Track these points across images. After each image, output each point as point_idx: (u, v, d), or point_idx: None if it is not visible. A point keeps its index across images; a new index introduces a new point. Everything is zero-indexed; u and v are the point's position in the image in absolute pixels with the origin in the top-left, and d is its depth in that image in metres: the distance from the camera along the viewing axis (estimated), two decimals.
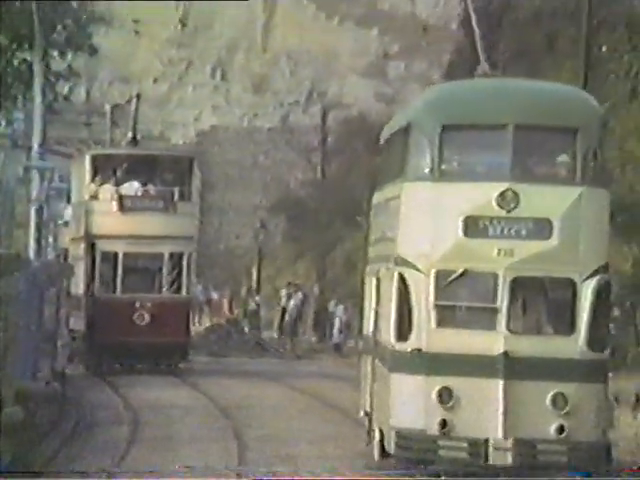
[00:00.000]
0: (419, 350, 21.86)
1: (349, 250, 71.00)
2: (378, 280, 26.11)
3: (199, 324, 72.00)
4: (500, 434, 21.20)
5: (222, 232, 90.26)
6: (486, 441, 21.25)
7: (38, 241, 49.27)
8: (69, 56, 55.53)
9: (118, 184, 51.92)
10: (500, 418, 21.21)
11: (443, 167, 22.57)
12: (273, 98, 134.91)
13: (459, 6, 76.07)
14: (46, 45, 48.53)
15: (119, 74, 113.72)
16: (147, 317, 50.30)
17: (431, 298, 22.04)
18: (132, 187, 51.94)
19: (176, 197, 51.84)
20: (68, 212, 60.09)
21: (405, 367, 22.14)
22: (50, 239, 54.92)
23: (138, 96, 71.15)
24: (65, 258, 52.37)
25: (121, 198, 51.34)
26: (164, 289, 51.16)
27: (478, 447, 21.36)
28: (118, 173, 52.45)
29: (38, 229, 49.13)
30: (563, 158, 22.60)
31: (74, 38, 55.05)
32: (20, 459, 25.42)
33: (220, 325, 73.30)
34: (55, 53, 52.31)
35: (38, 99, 47.77)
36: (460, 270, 21.97)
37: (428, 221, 22.47)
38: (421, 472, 22.32)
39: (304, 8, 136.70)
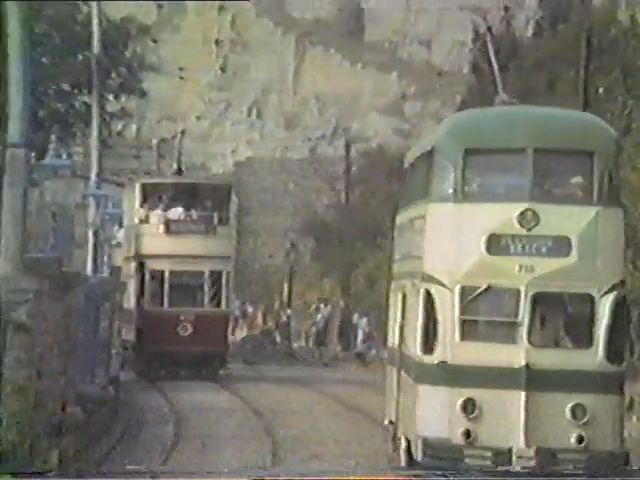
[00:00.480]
0: (444, 362, 20.92)
1: (371, 268, 70.61)
2: (404, 295, 24.82)
3: (236, 335, 72.13)
4: (522, 443, 20.27)
5: (257, 252, 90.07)
6: (509, 450, 20.32)
7: (94, 260, 49.42)
8: (122, 98, 55.72)
9: (165, 209, 51.90)
10: (522, 428, 20.29)
11: (466, 189, 21.52)
12: (302, 133, 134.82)
13: (470, 54, 76.08)
14: (102, 90, 48.80)
15: (166, 113, 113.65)
16: (190, 328, 50.07)
17: (456, 313, 21.01)
18: (177, 212, 51.76)
19: (215, 221, 51.81)
20: (120, 234, 59.83)
21: (431, 379, 21.13)
22: (105, 258, 54.97)
23: (182, 132, 71.58)
24: (118, 276, 52.37)
25: (167, 222, 51.32)
26: (205, 303, 50.86)
27: (502, 456, 20.44)
28: (164, 200, 52.39)
29: (95, 250, 49.30)
30: (580, 179, 21.78)
31: (127, 83, 55.28)
32: (82, 454, 25.36)
33: (255, 336, 73.43)
34: (110, 96, 52.48)
35: (95, 135, 48.10)
36: (484, 286, 20.97)
37: (452, 239, 21.46)
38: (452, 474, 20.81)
39: (331, 57, 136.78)
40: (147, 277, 51.28)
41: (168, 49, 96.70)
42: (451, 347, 21.00)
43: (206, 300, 50.88)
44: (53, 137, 50.06)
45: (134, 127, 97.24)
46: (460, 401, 20.65)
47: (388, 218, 76.48)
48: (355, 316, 72.26)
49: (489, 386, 20.75)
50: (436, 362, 21.04)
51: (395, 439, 25.33)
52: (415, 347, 21.81)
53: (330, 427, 34.83)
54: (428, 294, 21.43)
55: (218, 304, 51.36)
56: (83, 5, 49.60)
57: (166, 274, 50.88)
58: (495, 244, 21.04)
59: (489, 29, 60.03)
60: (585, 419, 20.41)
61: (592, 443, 20.49)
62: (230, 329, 57.80)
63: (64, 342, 26.34)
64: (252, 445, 30.15)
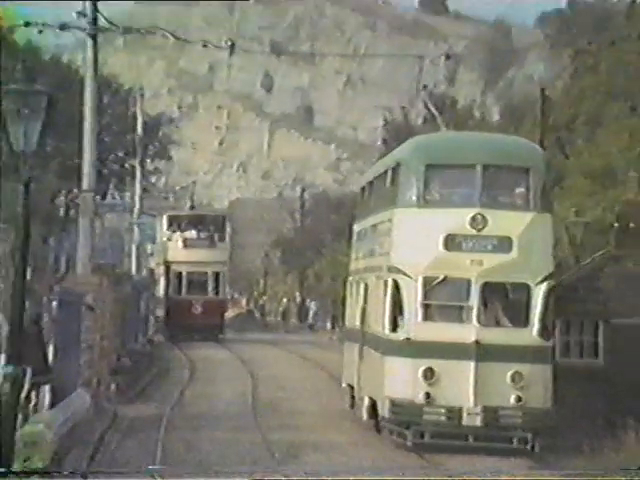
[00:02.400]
0: (408, 339, 18.07)
1: (317, 269, 70.56)
2: (366, 286, 21.17)
3: (229, 313, 72.32)
4: (472, 403, 17.70)
5: (243, 259, 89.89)
6: (460, 408, 17.79)
7: (137, 265, 49.65)
8: (156, 162, 56.13)
9: (182, 231, 51.21)
10: (472, 390, 17.74)
11: (427, 197, 18.56)
12: (273, 182, 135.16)
13: (381, 133, 76.07)
14: (143, 156, 49.28)
15: (183, 170, 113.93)
16: (199, 309, 49.29)
17: (419, 298, 18.07)
18: (191, 233, 51.01)
19: (216, 239, 51.16)
20: (154, 248, 60.41)
21: (397, 352, 18.29)
22: (144, 264, 55.11)
23: (194, 182, 71.64)
24: (152, 275, 52.46)
25: (184, 240, 50.63)
26: (209, 293, 50.00)
27: (454, 413, 17.84)
28: (182, 225, 51.68)
29: (137, 258, 49.50)
30: (519, 190, 18.86)
31: (159, 152, 55.62)
32: (128, 388, 24.90)
33: (241, 314, 72.72)
34: (148, 160, 52.93)
35: (138, 185, 48.30)
36: (441, 276, 18.06)
37: (415, 238, 18.45)
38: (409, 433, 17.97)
39: (291, 135, 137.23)
40: (171, 276, 50.42)
41: (185, 131, 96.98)
42: (414, 326, 18.15)
43: (210, 291, 49.95)
44: (111, 186, 50.35)
45: (163, 179, 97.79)
46: (421, 369, 18.01)
47: (328, 236, 78.23)
48: (307, 300, 72.24)
49: (445, 357, 18.12)
50: (402, 338, 18.17)
51: (353, 398, 22.03)
52: (383, 327, 18.77)
53: (291, 370, 34.04)
54: (395, 283, 18.41)
55: (217, 293, 50.37)
56: (133, 106, 50.26)
57: (184, 274, 50.10)
58: (450, 242, 18.27)
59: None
60: (522, 383, 17.96)
61: (527, 402, 17.94)
62: (225, 309, 58.17)
63: (118, 317, 26.65)
64: (240, 381, 29.38)
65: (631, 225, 22.95)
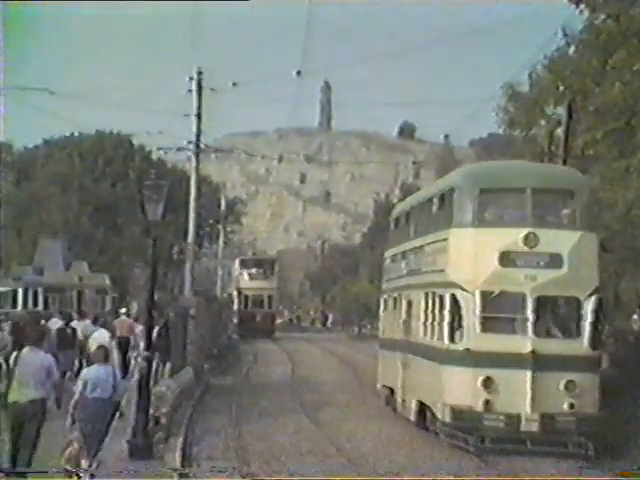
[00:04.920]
0: (468, 349, 12.78)
1: (332, 293, 70.56)
2: (409, 301, 15.55)
3: (278, 320, 72.18)
4: (529, 410, 12.38)
5: (286, 286, 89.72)
6: (518, 415, 12.46)
7: (221, 291, 49.98)
8: (232, 226, 56.63)
9: (248, 269, 49.19)
10: (529, 398, 12.40)
11: (481, 218, 13.29)
12: (304, 239, 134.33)
13: (373, 207, 76.50)
14: (224, 223, 50.32)
15: (249, 231, 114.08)
16: (259, 318, 47.07)
17: (477, 311, 12.88)
18: (253, 270, 49.41)
19: (269, 273, 49.08)
20: (232, 279, 60.73)
21: (457, 362, 12.96)
22: (225, 290, 55.42)
23: (255, 239, 71.85)
24: (231, 297, 52.78)
25: (250, 274, 48.23)
26: (265, 307, 48.22)
27: (513, 419, 12.55)
28: (248, 265, 49.50)
29: (222, 286, 50.03)
30: (566, 211, 13.50)
31: (235, 220, 56.22)
32: (216, 367, 23.36)
33: (285, 321, 69.68)
34: (227, 226, 53.66)
35: (221, 240, 48.97)
36: (498, 291, 12.84)
37: (472, 256, 13.17)
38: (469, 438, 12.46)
39: (316, 209, 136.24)
40: (242, 297, 47.87)
41: (251, 208, 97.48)
42: (473, 337, 12.76)
43: (265, 306, 47.78)
44: (205, 240, 50.71)
45: (237, 237, 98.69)
46: (481, 378, 12.61)
47: (340, 272, 78.16)
48: (326, 312, 71.40)
49: (503, 367, 12.73)
50: (461, 349, 12.77)
51: (388, 397, 16.69)
52: (441, 338, 13.28)
53: (315, 356, 32.59)
54: (454, 298, 13.07)
55: (270, 307, 47.92)
56: (218, 193, 51.62)
57: (249, 296, 48.15)
58: (505, 259, 12.93)
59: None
60: (575, 391, 12.59)
61: (580, 409, 12.55)
62: (275, 318, 58.21)
63: (209, 323, 26.61)
64: (284, 363, 28.18)
65: None
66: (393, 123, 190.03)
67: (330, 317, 70.32)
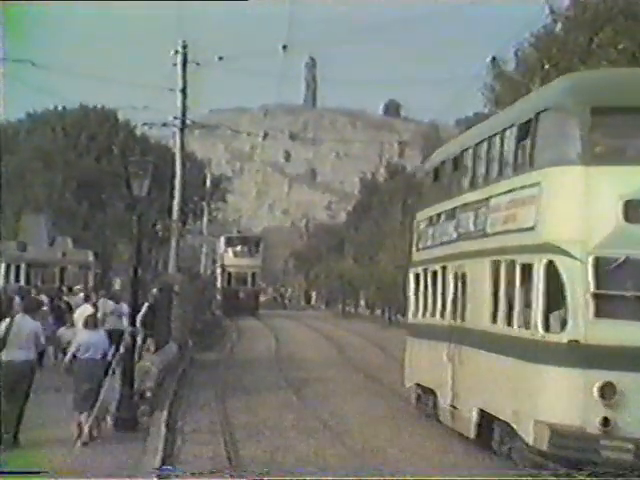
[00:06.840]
0: (576, 341, 7.62)
1: (316, 271, 70.25)
2: (462, 274, 10.77)
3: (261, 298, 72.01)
4: None
5: (270, 264, 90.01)
6: None
7: (205, 268, 49.84)
8: (217, 203, 56.47)
9: (233, 247, 49.38)
10: None
11: (595, 151, 8.04)
12: (289, 217, 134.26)
13: (358, 186, 75.89)
14: (209, 200, 49.91)
15: (234, 209, 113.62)
16: (243, 295, 47.43)
17: (590, 287, 7.69)
18: (238, 248, 49.39)
19: (253, 251, 49.54)
20: (216, 257, 60.41)
21: (557, 360, 7.82)
22: (209, 267, 55.25)
23: (240, 216, 71.54)
24: (215, 274, 52.67)
25: (234, 252, 48.60)
26: (249, 285, 48.36)
27: None
28: (233, 243, 49.96)
29: (205, 264, 49.91)
30: None
31: (219, 198, 55.93)
32: (199, 343, 23.24)
33: (269, 298, 70.08)
34: (212, 203, 53.38)
35: (205, 218, 48.73)
36: (622, 257, 7.56)
37: (580, 206, 7.96)
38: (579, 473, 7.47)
39: (302, 187, 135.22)
40: (225, 274, 48.31)
41: (235, 185, 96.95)
42: (584, 325, 7.73)
43: (249, 283, 48.20)
44: (190, 218, 50.54)
45: (221, 214, 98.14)
46: (597, 385, 7.59)
47: (324, 250, 78.00)
48: (310, 290, 72.07)
49: (631, 369, 7.59)
50: (566, 341, 7.79)
51: (429, 403, 12.15)
52: (528, 325, 8.35)
53: (299, 333, 32.70)
54: (551, 266, 8.06)
55: (254, 285, 48.51)
56: (204, 170, 51.55)
57: (233, 273, 48.33)
58: (633, 210, 7.76)
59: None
60: None
61: None
62: (259, 295, 58.21)
63: (193, 299, 26.50)
64: (268, 340, 27.97)
65: None
66: (379, 101, 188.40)
67: (313, 295, 70.45)
